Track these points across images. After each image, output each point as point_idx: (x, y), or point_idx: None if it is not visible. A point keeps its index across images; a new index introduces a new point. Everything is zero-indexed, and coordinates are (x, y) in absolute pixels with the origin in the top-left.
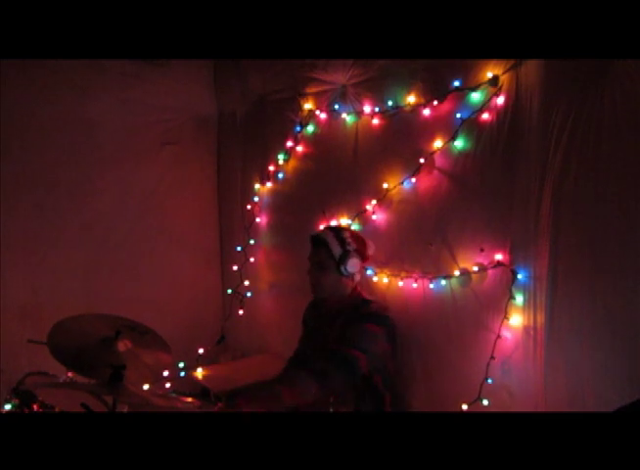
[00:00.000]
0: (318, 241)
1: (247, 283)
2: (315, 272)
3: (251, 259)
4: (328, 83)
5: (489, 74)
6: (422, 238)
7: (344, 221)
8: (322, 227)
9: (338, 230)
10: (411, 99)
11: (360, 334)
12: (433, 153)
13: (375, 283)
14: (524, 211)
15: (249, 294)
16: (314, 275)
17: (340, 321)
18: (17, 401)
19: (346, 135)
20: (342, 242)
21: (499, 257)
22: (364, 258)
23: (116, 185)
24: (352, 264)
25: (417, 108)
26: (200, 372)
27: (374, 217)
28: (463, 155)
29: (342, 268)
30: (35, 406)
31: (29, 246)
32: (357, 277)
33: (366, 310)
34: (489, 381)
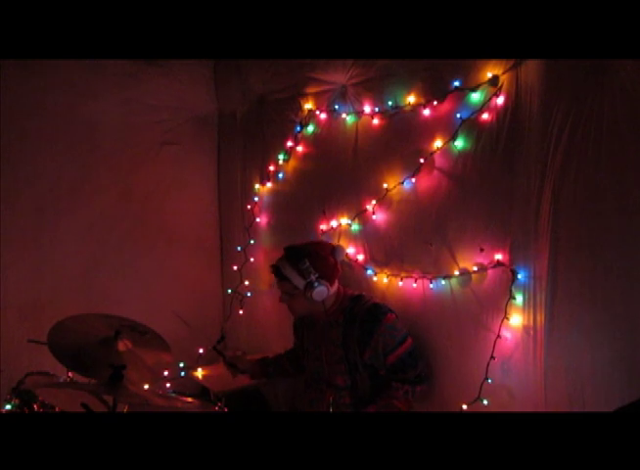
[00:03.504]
0: (279, 275)
1: (247, 283)
2: (286, 299)
3: (252, 259)
4: (328, 83)
5: (489, 74)
6: (422, 238)
7: (344, 221)
8: (280, 256)
9: (296, 259)
10: (411, 99)
11: (391, 330)
12: (433, 153)
13: (375, 283)
14: (523, 210)
15: (249, 294)
16: (286, 302)
17: (337, 329)
18: (17, 401)
19: (346, 135)
20: (302, 273)
21: (499, 256)
22: (331, 275)
23: (116, 185)
24: (318, 293)
25: (417, 108)
26: (200, 372)
27: (374, 217)
28: (463, 155)
29: (309, 297)
30: (35, 406)
31: (30, 246)
32: (333, 289)
33: (366, 307)
34: (489, 381)
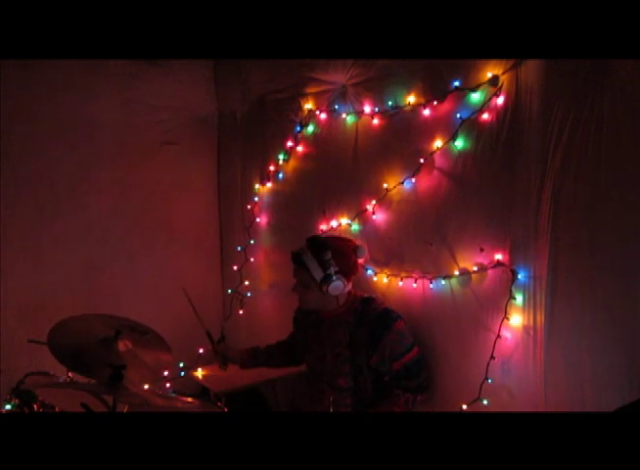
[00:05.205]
0: (299, 262)
1: (247, 283)
2: (300, 289)
3: (251, 259)
4: (328, 83)
5: (489, 74)
6: (422, 238)
7: (344, 221)
8: (305, 240)
9: (318, 249)
10: (411, 99)
11: (400, 336)
12: (433, 153)
13: (375, 283)
14: (523, 210)
15: (249, 294)
16: (299, 291)
17: (345, 329)
18: (17, 401)
19: (346, 135)
20: (323, 264)
21: (499, 256)
22: (350, 273)
23: (116, 185)
24: (334, 288)
25: (417, 108)
26: (200, 372)
27: (374, 217)
28: (463, 155)
29: (325, 291)
30: (35, 406)
31: (30, 245)
32: (348, 287)
33: (377, 311)
34: (489, 381)
